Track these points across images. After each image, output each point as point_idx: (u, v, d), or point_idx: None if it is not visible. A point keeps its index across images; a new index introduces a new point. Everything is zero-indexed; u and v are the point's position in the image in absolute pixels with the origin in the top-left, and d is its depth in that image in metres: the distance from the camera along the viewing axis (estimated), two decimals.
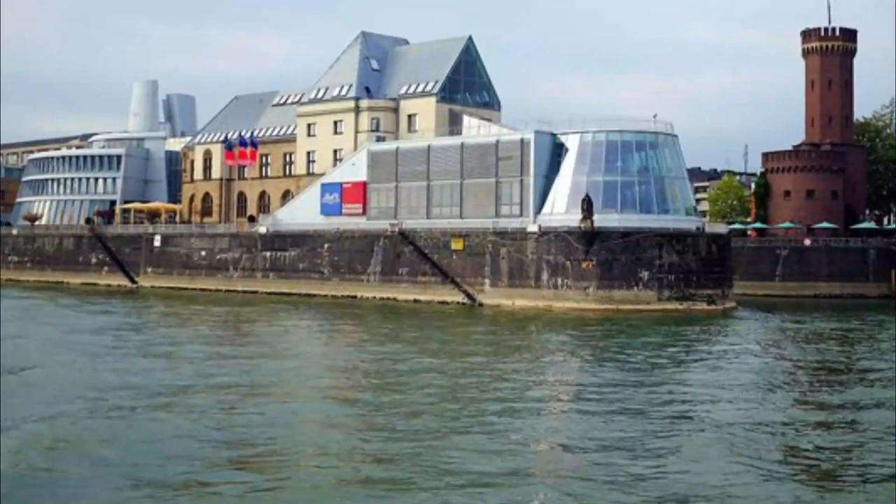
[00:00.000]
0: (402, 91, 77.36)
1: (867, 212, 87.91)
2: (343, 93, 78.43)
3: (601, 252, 54.64)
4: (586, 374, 29.36)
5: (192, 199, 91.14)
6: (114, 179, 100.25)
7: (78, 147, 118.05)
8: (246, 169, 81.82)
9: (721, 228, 64.58)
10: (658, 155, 60.30)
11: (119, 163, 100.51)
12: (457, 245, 59.95)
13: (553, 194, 59.35)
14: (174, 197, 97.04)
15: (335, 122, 78.77)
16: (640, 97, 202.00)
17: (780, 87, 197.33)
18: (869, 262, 75.31)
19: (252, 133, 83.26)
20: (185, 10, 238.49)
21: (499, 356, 33.35)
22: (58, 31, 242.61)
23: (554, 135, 60.84)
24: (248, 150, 77.24)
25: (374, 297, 61.76)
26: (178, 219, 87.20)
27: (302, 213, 69.93)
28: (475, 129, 66.89)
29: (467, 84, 77.47)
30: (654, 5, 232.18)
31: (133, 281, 76.54)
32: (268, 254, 69.41)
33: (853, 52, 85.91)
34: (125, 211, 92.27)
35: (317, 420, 21.29)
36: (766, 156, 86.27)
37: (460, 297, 58.92)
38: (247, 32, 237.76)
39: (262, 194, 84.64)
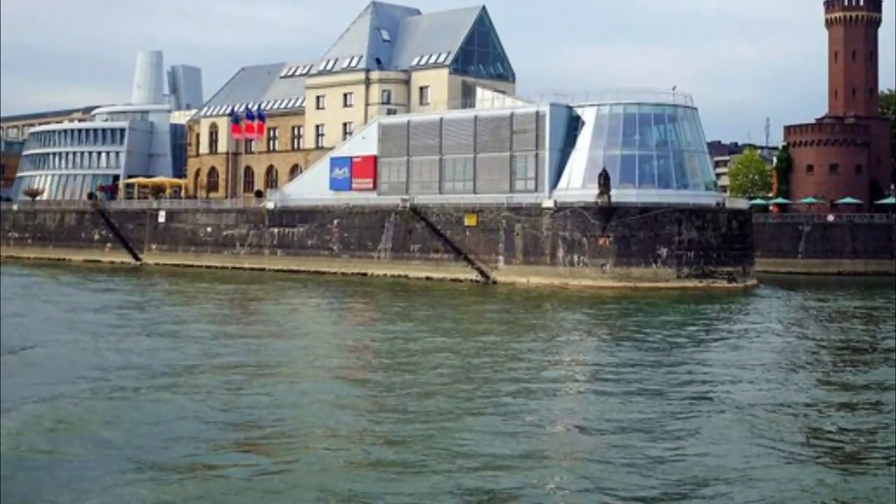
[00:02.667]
0: (414, 62, 76.24)
1: (893, 187, 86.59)
2: (353, 64, 77.37)
3: (618, 228, 53.91)
4: (603, 354, 29.11)
5: (197, 173, 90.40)
6: (117, 153, 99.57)
7: (80, 120, 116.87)
8: (253, 143, 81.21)
9: (742, 204, 63.63)
10: (677, 128, 59.45)
11: (122, 136, 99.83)
12: (470, 221, 59.37)
13: (569, 169, 58.62)
14: (179, 171, 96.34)
15: (345, 95, 77.78)
16: (659, 69, 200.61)
17: (803, 59, 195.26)
18: (894, 239, 74.42)
19: (259, 106, 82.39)
20: None
21: (513, 335, 33.04)
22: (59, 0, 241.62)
23: (570, 107, 60.06)
24: (256, 123, 76.70)
25: (385, 275, 61.36)
26: (183, 194, 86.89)
27: (311, 187, 69.43)
28: (489, 102, 66.22)
29: (481, 55, 76.19)
30: None
31: (137, 258, 76.35)
32: (275, 230, 69.01)
33: (878, 22, 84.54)
34: (129, 186, 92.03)
35: (326, 401, 20.98)
36: (789, 129, 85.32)
37: (473, 275, 58.40)
38: (254, 1, 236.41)
39: (270, 169, 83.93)
